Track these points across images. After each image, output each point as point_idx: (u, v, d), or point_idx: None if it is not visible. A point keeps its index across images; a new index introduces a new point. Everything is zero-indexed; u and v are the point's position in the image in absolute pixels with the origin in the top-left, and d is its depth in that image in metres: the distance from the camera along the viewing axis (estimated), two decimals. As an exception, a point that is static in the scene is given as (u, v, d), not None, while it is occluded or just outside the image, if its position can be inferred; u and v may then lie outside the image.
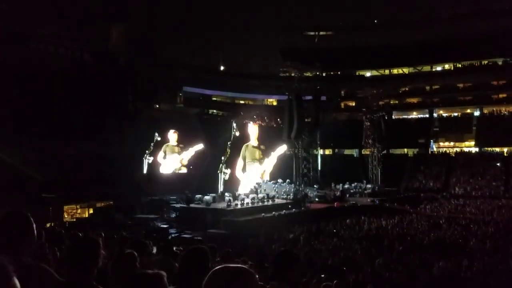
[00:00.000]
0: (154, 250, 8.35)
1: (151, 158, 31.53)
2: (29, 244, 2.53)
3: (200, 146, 33.44)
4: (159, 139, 31.82)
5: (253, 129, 31.16)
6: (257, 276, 1.72)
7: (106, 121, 34.93)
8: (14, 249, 2.42)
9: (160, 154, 32.92)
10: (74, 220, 27.22)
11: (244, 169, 30.68)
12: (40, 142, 30.70)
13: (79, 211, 29.79)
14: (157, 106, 48.09)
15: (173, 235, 21.28)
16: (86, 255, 2.52)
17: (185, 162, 33.82)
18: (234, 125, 29.63)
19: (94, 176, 29.71)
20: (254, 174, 30.85)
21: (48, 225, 19.86)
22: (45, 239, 7.15)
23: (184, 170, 33.74)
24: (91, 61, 41.49)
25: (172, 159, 33.47)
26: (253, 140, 30.89)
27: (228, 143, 28.61)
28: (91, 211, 29.70)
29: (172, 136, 33.46)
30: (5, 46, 35.15)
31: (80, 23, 43.80)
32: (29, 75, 34.51)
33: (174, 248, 7.72)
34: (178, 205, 27.20)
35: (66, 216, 28.26)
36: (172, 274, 3.01)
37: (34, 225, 2.56)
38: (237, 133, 29.54)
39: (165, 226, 24.02)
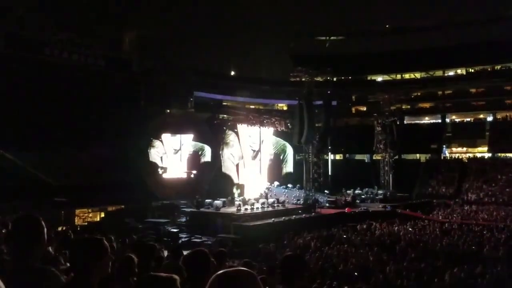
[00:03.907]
0: (165, 254, 8.36)
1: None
2: (39, 248, 2.54)
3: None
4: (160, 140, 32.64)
5: (243, 131, 31.75)
6: (258, 278, 1.72)
7: (118, 126, 35.22)
8: (24, 252, 2.44)
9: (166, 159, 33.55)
10: (86, 224, 27.44)
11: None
12: (53, 147, 31.07)
13: (90, 215, 30.03)
14: (169, 111, 48.34)
15: (183, 240, 21.37)
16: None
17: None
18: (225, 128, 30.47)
19: (106, 180, 29.95)
20: (252, 172, 31.34)
21: (59, 228, 20.02)
22: (56, 243, 7.22)
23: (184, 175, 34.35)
24: (104, 67, 41.90)
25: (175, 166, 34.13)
26: (247, 142, 31.51)
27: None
28: (102, 215, 29.94)
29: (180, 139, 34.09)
30: (20, 52, 35.71)
31: (93, 29, 44.36)
32: (43, 81, 34.99)
33: (184, 253, 7.73)
34: (188, 210, 27.30)
35: (77, 220, 28.51)
36: (181, 279, 3.01)
37: (45, 230, 2.58)
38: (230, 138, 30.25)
39: (175, 230, 24.11)
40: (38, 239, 2.51)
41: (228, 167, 30.86)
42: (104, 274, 2.52)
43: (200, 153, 36.01)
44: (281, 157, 36.44)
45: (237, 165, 31.41)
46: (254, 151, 32.58)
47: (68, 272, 3.05)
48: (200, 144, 35.93)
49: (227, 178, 30.61)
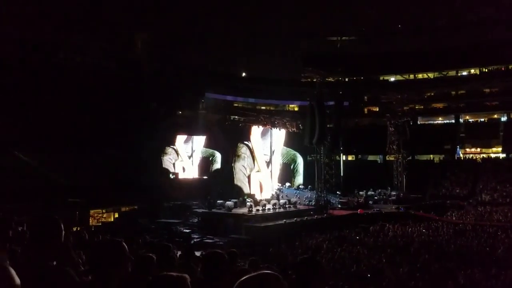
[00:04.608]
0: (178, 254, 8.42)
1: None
2: (56, 247, 2.60)
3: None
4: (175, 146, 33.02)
5: (257, 134, 31.79)
6: (283, 280, 1.68)
7: (130, 128, 35.54)
8: (41, 252, 2.49)
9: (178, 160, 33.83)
10: (100, 224, 27.69)
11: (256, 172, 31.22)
12: (67, 149, 31.42)
13: (104, 215, 30.31)
14: (180, 112, 48.60)
15: (195, 240, 21.46)
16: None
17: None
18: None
19: (119, 181, 30.20)
20: (264, 176, 31.31)
21: (74, 229, 20.25)
22: (71, 243, 7.31)
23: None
24: (116, 69, 42.26)
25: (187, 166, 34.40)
26: (259, 147, 31.50)
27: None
28: (116, 215, 30.20)
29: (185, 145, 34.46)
30: (34, 55, 36.22)
31: (106, 32, 44.77)
32: (57, 83, 35.41)
33: (196, 253, 7.78)
34: (200, 210, 27.42)
35: (92, 220, 28.79)
36: (193, 279, 3.04)
37: (63, 231, 2.63)
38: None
39: (187, 230, 24.22)
40: (55, 239, 2.56)
41: (239, 179, 31.01)
42: (123, 275, 2.56)
43: (210, 159, 36.25)
44: (292, 167, 36.45)
45: (249, 177, 31.44)
46: (266, 162, 32.62)
47: (87, 274, 3.10)
48: (211, 150, 36.14)
49: (239, 189, 30.69)
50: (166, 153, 34.55)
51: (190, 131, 35.70)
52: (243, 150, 31.40)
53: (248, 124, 33.10)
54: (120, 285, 2.53)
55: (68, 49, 39.48)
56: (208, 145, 36.09)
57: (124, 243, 2.54)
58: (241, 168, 31.28)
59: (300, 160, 36.43)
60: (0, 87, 30.66)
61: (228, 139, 35.87)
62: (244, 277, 1.63)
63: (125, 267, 2.53)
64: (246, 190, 30.67)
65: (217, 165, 36.14)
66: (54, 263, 2.60)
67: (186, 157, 35.36)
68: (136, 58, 46.98)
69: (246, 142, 31.60)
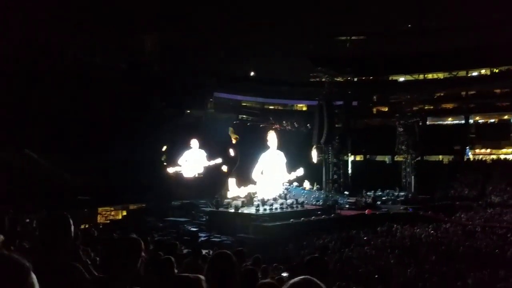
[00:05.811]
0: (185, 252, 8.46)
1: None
2: (66, 245, 2.63)
3: (219, 160, 33.73)
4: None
5: (272, 136, 31.30)
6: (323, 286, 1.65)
7: (140, 128, 35.70)
8: (51, 249, 2.53)
9: (182, 158, 33.60)
10: (108, 222, 27.89)
11: (262, 173, 30.86)
12: (76, 149, 31.65)
13: (113, 213, 30.52)
14: (189, 112, 48.80)
15: (202, 239, 21.56)
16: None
17: (201, 170, 34.34)
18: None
19: (127, 179, 30.38)
20: (271, 179, 30.95)
21: (82, 226, 20.43)
22: (80, 240, 7.38)
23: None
24: (125, 70, 42.41)
25: (193, 164, 34.13)
26: (273, 148, 31.05)
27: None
28: (124, 213, 30.40)
29: (195, 143, 34.14)
30: (43, 55, 36.50)
31: (114, 32, 44.91)
32: (66, 84, 35.66)
33: (204, 252, 7.82)
34: (208, 209, 27.51)
35: (100, 218, 29.02)
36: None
37: (72, 227, 2.66)
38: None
39: (195, 229, 24.32)
40: (65, 236, 2.59)
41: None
42: (135, 272, 2.59)
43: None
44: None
45: (257, 176, 31.19)
46: (274, 162, 32.39)
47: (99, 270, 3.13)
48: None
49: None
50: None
51: (197, 132, 35.43)
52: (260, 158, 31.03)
53: (260, 125, 32.92)
54: (132, 283, 2.55)
55: (77, 49, 39.75)
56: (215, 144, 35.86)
57: (141, 241, 2.57)
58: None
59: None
60: (10, 88, 30.96)
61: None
62: (290, 283, 1.61)
63: (138, 264, 2.56)
64: (253, 189, 30.60)
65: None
66: (65, 260, 2.63)
67: (192, 154, 35.11)
68: (145, 58, 47.22)
69: (264, 154, 31.06)
